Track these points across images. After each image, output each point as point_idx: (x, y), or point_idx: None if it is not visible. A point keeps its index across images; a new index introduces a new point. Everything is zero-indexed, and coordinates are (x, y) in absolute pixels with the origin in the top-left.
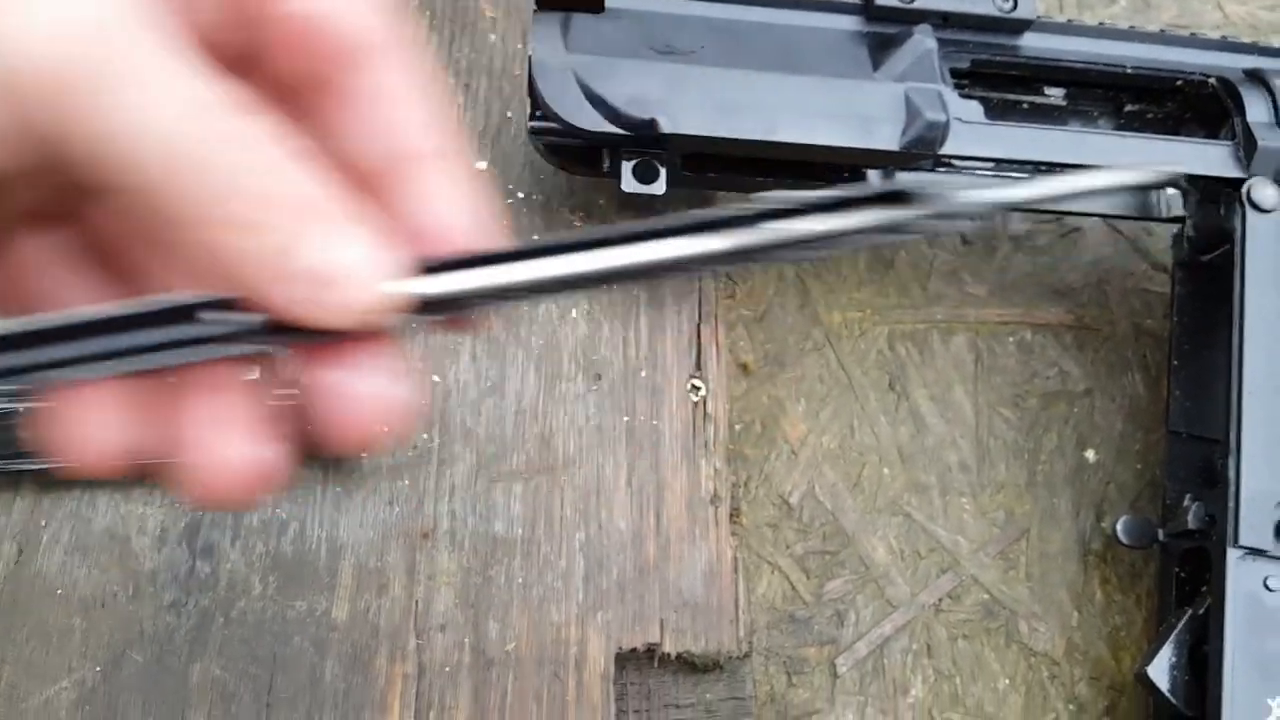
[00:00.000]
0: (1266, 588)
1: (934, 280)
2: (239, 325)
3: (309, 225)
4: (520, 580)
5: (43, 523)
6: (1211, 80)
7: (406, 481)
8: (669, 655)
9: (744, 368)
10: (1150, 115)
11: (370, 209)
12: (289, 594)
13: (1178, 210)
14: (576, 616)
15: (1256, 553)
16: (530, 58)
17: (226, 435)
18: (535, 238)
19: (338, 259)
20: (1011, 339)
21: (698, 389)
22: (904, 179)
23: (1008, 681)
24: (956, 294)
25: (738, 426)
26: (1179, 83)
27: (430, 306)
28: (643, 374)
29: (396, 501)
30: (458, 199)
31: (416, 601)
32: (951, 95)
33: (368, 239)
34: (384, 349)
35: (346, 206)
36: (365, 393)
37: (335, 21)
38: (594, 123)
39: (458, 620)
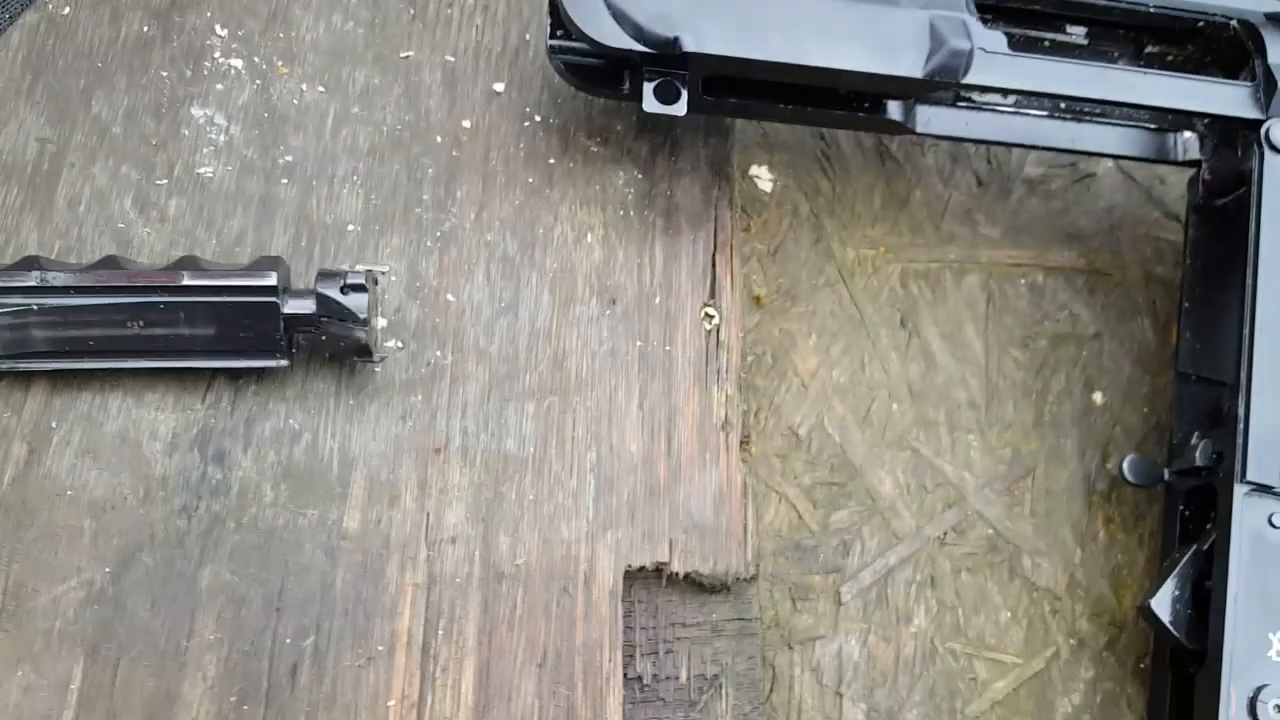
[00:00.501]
0: (1271, 524)
1: (948, 220)
2: None
3: None
4: (531, 497)
5: (53, 424)
6: (1233, 22)
7: (419, 397)
8: (677, 575)
9: (756, 300)
10: (1170, 57)
11: None
12: (300, 502)
13: (1194, 154)
14: (586, 534)
15: (1263, 489)
16: None
17: None
18: None
19: None
20: (1023, 280)
21: (711, 317)
22: None
23: (1009, 614)
24: (970, 235)
25: (749, 358)
26: (1200, 24)
27: None
28: (657, 300)
29: (409, 416)
30: None
31: (428, 514)
32: (976, 24)
33: None
34: None
35: None
36: None
37: None
38: (617, 39)
39: (468, 534)
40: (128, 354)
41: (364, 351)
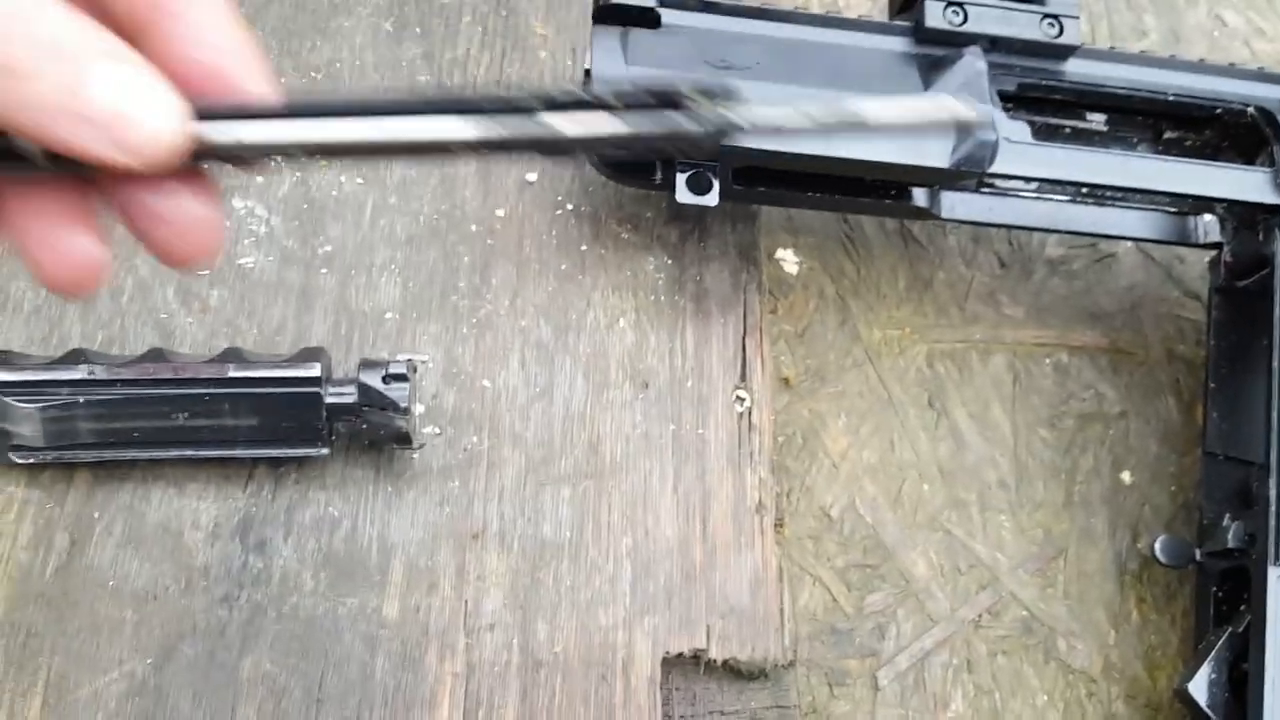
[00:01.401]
0: None
1: (971, 301)
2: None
3: (93, 66)
4: (568, 583)
5: (95, 514)
6: (1250, 109)
7: (456, 483)
8: (715, 661)
9: (785, 381)
10: (1189, 142)
11: (143, 51)
12: (340, 590)
13: (1214, 236)
14: (624, 620)
15: None
16: (587, 70)
17: (55, 231)
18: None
19: (129, 98)
20: (1048, 360)
21: (742, 400)
22: (668, 79)
23: (1046, 698)
24: (994, 315)
25: (780, 439)
26: (1218, 111)
27: (215, 151)
28: (689, 384)
29: (447, 502)
30: (223, 39)
31: (466, 601)
32: (1000, 116)
33: (153, 78)
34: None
35: (124, 48)
36: (176, 214)
37: None
38: None
39: (506, 621)
40: (171, 444)
41: (404, 439)
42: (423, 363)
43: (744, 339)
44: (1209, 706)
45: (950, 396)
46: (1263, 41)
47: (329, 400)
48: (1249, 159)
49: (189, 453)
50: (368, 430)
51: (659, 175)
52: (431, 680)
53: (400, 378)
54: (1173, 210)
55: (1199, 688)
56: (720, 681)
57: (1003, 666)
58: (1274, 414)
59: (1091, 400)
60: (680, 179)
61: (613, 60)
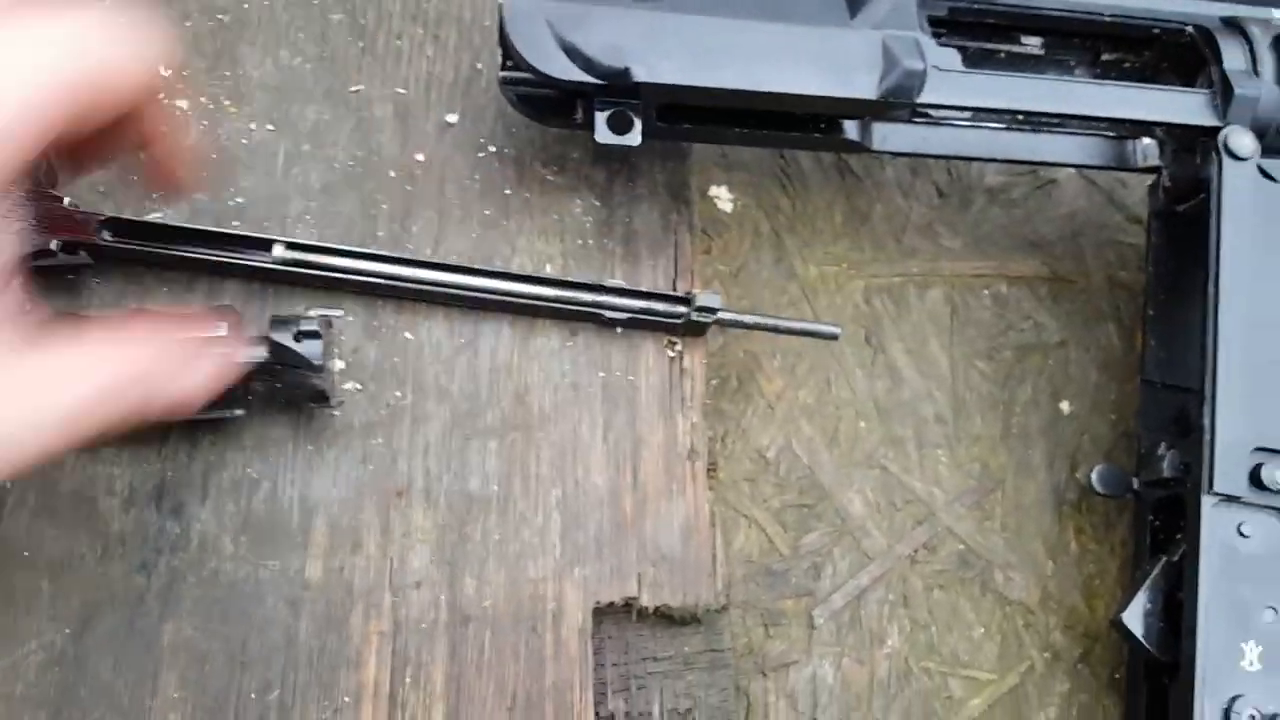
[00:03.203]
0: (1240, 534)
1: (909, 234)
2: None
3: None
4: (496, 537)
5: (9, 485)
6: (1189, 28)
7: (380, 439)
8: (647, 609)
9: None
10: (1127, 64)
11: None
12: (261, 553)
13: (1153, 160)
14: (554, 572)
15: (1230, 499)
16: (501, 4)
17: None
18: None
19: None
20: (987, 291)
21: (674, 344)
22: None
23: (983, 630)
24: (932, 247)
25: (714, 382)
26: (1156, 31)
27: None
28: (618, 330)
29: (370, 459)
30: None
31: (391, 559)
32: (929, 43)
33: None
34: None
35: None
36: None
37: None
38: (566, 71)
39: (433, 577)
40: None
41: (321, 398)
42: (339, 317)
43: (675, 281)
44: (1144, 636)
45: (887, 332)
46: None
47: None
48: (1189, 80)
49: None
50: (283, 390)
51: (580, 115)
52: (357, 640)
53: (313, 334)
54: (1110, 135)
55: (1134, 617)
56: (653, 629)
57: (939, 600)
58: (1210, 340)
59: (1030, 331)
60: (600, 118)
61: None
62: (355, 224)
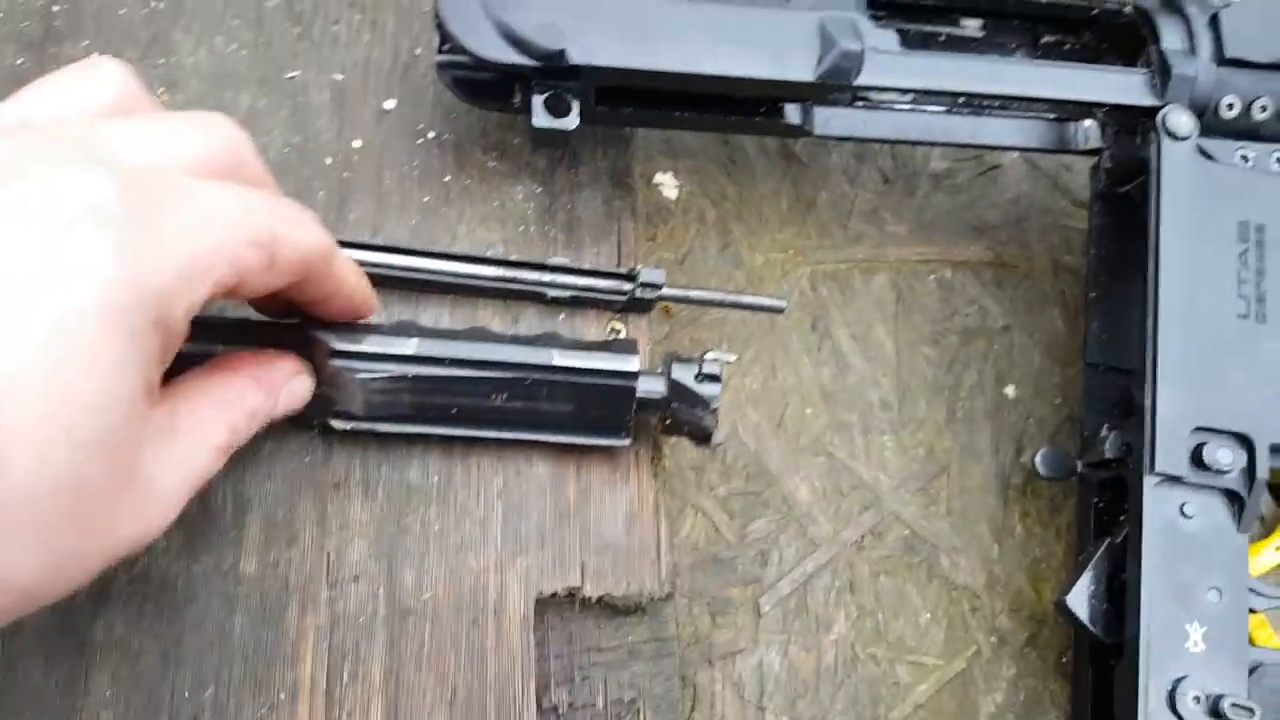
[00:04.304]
0: (1183, 514)
1: (854, 220)
2: None
3: None
4: (436, 528)
5: None
6: (1127, 8)
7: (316, 431)
8: (590, 599)
9: (665, 310)
10: (1067, 46)
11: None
12: (194, 549)
13: (1095, 142)
14: (495, 563)
15: (1172, 480)
16: None
17: None
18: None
19: None
20: (931, 277)
21: (618, 331)
22: None
23: (929, 615)
24: (877, 233)
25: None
26: (1095, 12)
27: None
28: (561, 317)
29: (306, 452)
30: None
31: (328, 553)
32: (867, 24)
33: None
34: None
35: None
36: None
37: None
38: (502, 53)
39: (371, 570)
40: (487, 424)
41: (706, 438)
42: (730, 361)
43: (618, 267)
44: (1088, 619)
45: (833, 318)
46: None
47: (640, 394)
48: (1130, 61)
49: (499, 434)
50: (671, 425)
51: (518, 98)
52: (293, 635)
53: (714, 378)
54: (1052, 117)
55: (1078, 600)
56: (597, 619)
57: (885, 586)
58: (1150, 319)
59: (975, 315)
60: (537, 101)
61: None
62: None
